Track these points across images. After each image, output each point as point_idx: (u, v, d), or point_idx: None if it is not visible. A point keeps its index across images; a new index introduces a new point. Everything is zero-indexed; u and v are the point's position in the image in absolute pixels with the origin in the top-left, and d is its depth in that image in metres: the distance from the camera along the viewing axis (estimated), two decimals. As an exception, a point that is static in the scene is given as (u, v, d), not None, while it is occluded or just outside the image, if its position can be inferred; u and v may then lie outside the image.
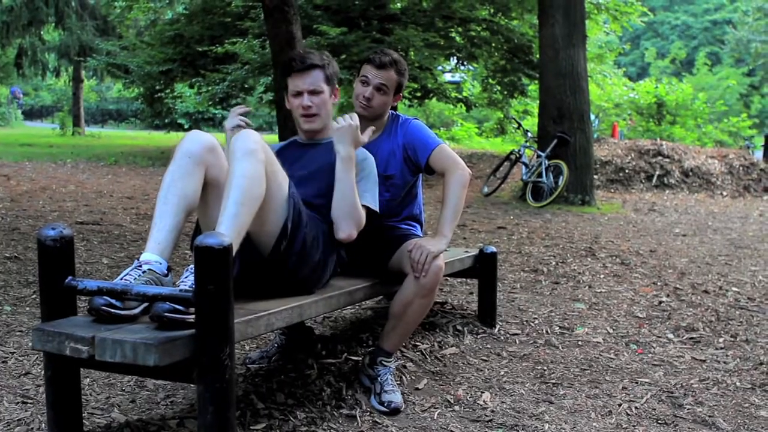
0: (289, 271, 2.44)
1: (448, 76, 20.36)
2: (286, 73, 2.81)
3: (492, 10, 15.16)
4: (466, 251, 3.83)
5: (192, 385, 2.58)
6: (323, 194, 2.67)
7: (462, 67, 18.56)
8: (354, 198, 2.62)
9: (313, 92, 2.76)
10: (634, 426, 2.61)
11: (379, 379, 2.78)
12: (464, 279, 4.46)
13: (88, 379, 2.74)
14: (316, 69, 2.75)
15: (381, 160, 3.03)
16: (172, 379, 2.22)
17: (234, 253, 2.01)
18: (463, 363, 3.24)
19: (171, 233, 2.20)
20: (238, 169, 2.22)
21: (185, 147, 2.31)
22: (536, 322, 3.91)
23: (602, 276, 5.15)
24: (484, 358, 3.33)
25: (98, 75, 26.56)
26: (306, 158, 2.79)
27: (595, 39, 19.21)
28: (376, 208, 2.78)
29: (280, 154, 2.79)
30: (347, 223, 2.62)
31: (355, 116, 2.68)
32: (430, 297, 2.77)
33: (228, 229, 2.12)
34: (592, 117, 15.21)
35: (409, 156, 3.05)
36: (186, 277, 2.10)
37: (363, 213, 2.67)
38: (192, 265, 1.99)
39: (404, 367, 3.11)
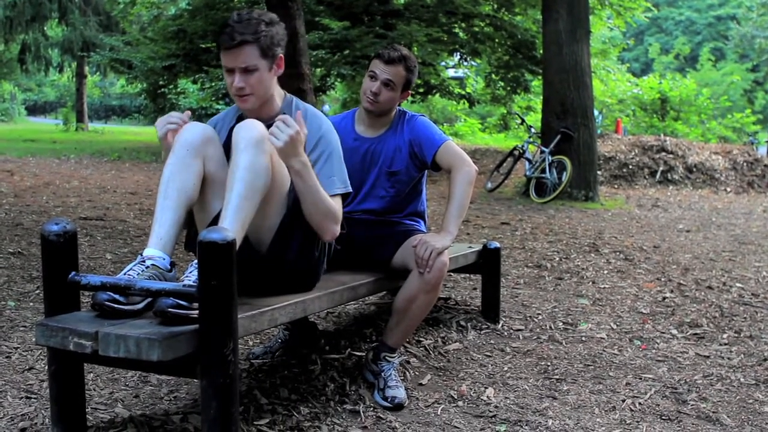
0: (287, 267, 2.40)
1: (451, 72, 20.34)
2: (218, 45, 2.42)
3: (495, 6, 15.14)
4: (470, 247, 3.82)
5: (195, 381, 2.57)
6: None
7: (465, 63, 18.55)
8: (323, 202, 2.36)
9: (245, 70, 2.38)
10: (637, 422, 2.61)
11: (382, 374, 2.78)
12: (468, 274, 4.45)
13: (91, 374, 2.74)
14: (247, 45, 2.34)
15: (386, 156, 3.02)
16: (176, 375, 2.22)
17: (237, 247, 2.00)
18: (467, 358, 3.24)
19: (173, 228, 2.19)
20: (243, 160, 2.17)
21: (183, 138, 2.27)
22: (540, 317, 3.90)
23: (606, 272, 5.14)
24: (488, 353, 3.33)
25: (101, 71, 26.62)
26: None
27: (599, 34, 19.18)
28: (349, 189, 2.53)
29: (223, 129, 2.56)
30: (327, 226, 2.41)
31: (288, 118, 2.28)
32: (434, 293, 2.77)
33: (232, 223, 2.10)
34: (596, 113, 15.18)
35: (415, 152, 3.04)
36: (190, 272, 2.09)
37: (338, 207, 2.45)
38: (196, 260, 1.98)
39: (408, 362, 3.11)
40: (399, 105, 3.10)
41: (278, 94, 2.55)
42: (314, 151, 2.47)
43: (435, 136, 3.04)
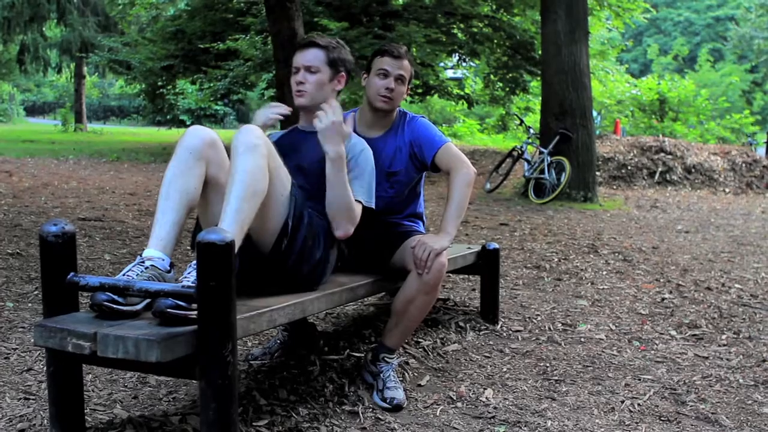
0: (290, 269, 2.43)
1: (450, 73, 20.34)
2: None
3: (494, 6, 15.14)
4: (469, 248, 3.82)
5: (194, 382, 2.57)
6: (322, 188, 2.61)
7: (464, 64, 18.54)
8: (347, 197, 2.57)
9: (309, 69, 2.70)
10: (636, 423, 2.60)
11: (381, 375, 2.78)
12: (467, 275, 4.45)
13: (90, 375, 2.74)
14: (317, 48, 2.71)
15: (387, 157, 3.02)
16: (175, 376, 2.22)
17: (236, 249, 2.00)
18: (466, 359, 3.24)
19: (173, 229, 2.20)
20: (241, 164, 2.20)
21: (186, 142, 2.30)
22: (539, 318, 3.90)
23: (605, 273, 5.14)
24: (487, 354, 3.33)
25: (100, 71, 26.64)
26: (305, 148, 2.73)
27: (598, 35, 19.18)
28: (372, 205, 2.73)
29: (280, 141, 2.77)
30: (342, 222, 2.58)
31: (337, 108, 2.57)
32: (433, 294, 2.77)
33: (230, 224, 2.11)
34: (595, 113, 15.18)
35: (415, 153, 3.04)
36: (189, 273, 2.09)
37: (358, 209, 2.63)
38: (195, 261, 1.98)
39: (407, 363, 3.10)
40: (402, 104, 3.12)
41: None
42: (352, 161, 2.69)
43: (435, 137, 3.04)
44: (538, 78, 13.51)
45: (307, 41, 2.74)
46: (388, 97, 2.94)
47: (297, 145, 2.76)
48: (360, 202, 2.65)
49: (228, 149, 2.40)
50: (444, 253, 2.75)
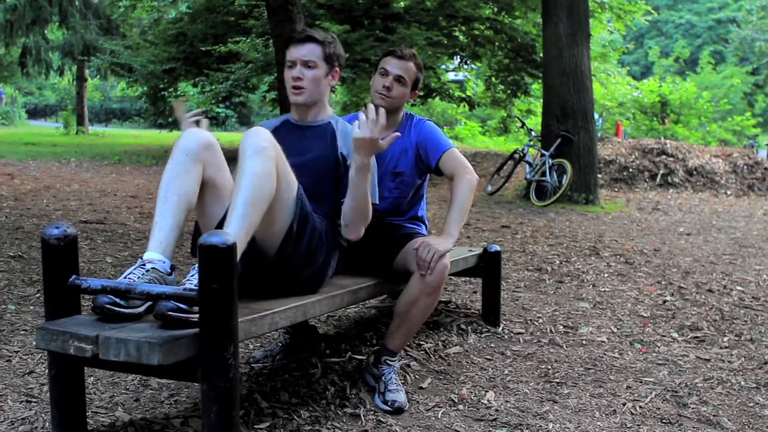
0: (293, 272, 2.43)
1: (451, 75, 20.34)
2: (286, 46, 2.74)
3: (495, 9, 15.14)
4: (470, 250, 3.82)
5: (196, 384, 2.57)
6: (320, 187, 2.60)
7: (465, 66, 18.55)
8: (366, 204, 2.57)
9: (306, 64, 2.65)
10: (638, 425, 2.60)
11: (383, 378, 2.78)
12: (468, 278, 4.45)
13: (92, 378, 2.74)
14: (313, 42, 2.66)
15: (392, 157, 3.04)
16: (176, 378, 2.22)
17: (241, 253, 2.01)
18: (467, 362, 3.24)
19: (172, 232, 2.20)
20: (248, 167, 2.19)
21: (182, 144, 2.30)
22: (540, 321, 3.90)
23: (606, 275, 5.14)
24: (488, 357, 3.32)
25: (102, 74, 26.61)
26: (302, 144, 2.69)
27: (599, 38, 19.20)
28: (376, 201, 2.74)
29: (273, 134, 2.72)
30: (358, 226, 2.60)
31: (382, 114, 2.46)
32: (435, 296, 2.77)
33: (236, 229, 2.11)
34: (596, 116, 15.18)
35: (420, 155, 3.07)
36: (191, 276, 2.10)
37: (370, 212, 2.63)
38: (197, 265, 1.98)
39: (408, 366, 3.10)
40: (405, 106, 3.12)
41: (329, 108, 2.76)
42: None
43: (441, 142, 3.07)
44: (540, 80, 13.52)
45: (304, 36, 2.68)
46: (384, 95, 2.97)
47: (294, 141, 2.69)
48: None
49: (225, 151, 2.41)
50: (447, 255, 2.75)
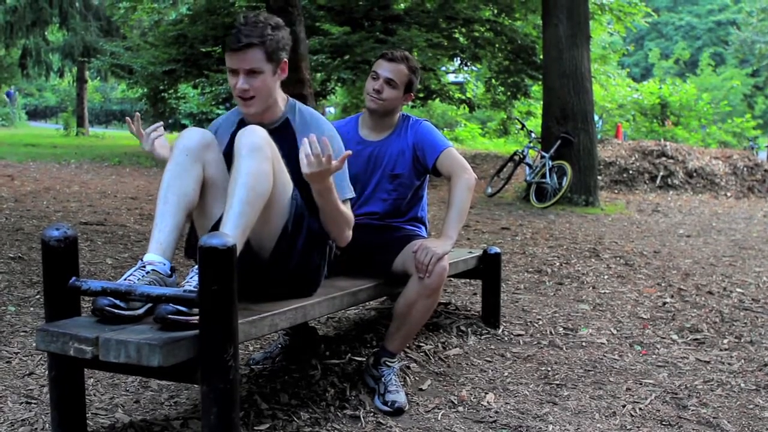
0: (289, 273, 2.41)
1: (451, 77, 20.36)
2: (225, 46, 2.42)
3: (495, 11, 15.15)
4: (470, 252, 3.82)
5: (196, 386, 2.57)
6: (297, 186, 2.44)
7: (465, 68, 18.55)
8: (339, 214, 2.45)
9: (251, 72, 2.39)
10: (638, 427, 2.60)
11: (383, 379, 2.78)
12: (468, 280, 4.45)
13: (92, 380, 2.74)
14: (254, 48, 2.36)
15: (390, 159, 3.04)
16: (176, 380, 2.22)
17: (238, 253, 2.00)
18: (467, 364, 3.24)
19: (172, 233, 2.19)
20: (244, 166, 2.18)
21: (182, 144, 2.29)
22: (540, 323, 3.90)
23: (606, 277, 5.14)
24: (488, 359, 3.32)
25: (102, 75, 26.62)
26: None
27: (599, 40, 19.20)
28: (353, 194, 2.61)
29: (224, 134, 2.55)
30: (343, 233, 2.52)
31: (326, 145, 2.25)
32: (434, 297, 2.77)
33: (233, 228, 2.10)
34: (596, 118, 15.19)
35: (417, 156, 3.06)
36: (191, 278, 2.09)
37: (349, 212, 2.54)
38: (197, 266, 1.98)
39: (408, 367, 3.10)
40: (401, 108, 3.12)
41: (281, 99, 2.57)
42: None
43: (437, 142, 3.05)
44: (540, 82, 13.53)
45: (243, 43, 2.36)
46: (375, 98, 2.96)
47: None
48: (347, 199, 2.55)
49: None
50: (446, 257, 2.75)
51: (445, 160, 3.01)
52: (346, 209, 2.51)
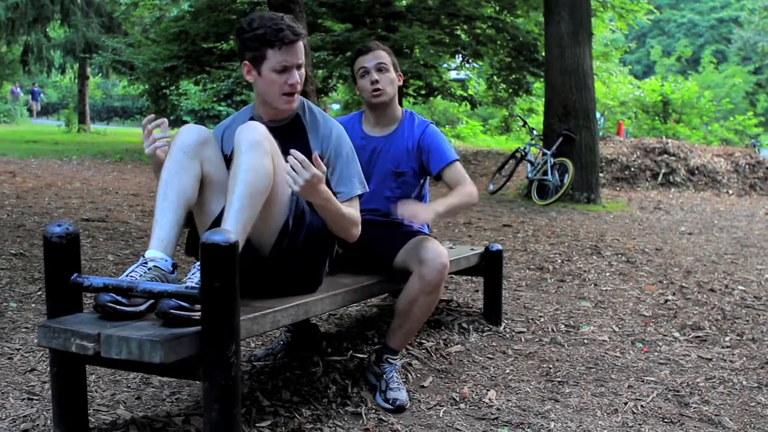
0: (289, 269, 2.41)
1: (453, 74, 20.33)
2: (266, 43, 2.35)
3: (497, 8, 15.13)
4: (472, 249, 3.82)
5: (197, 383, 2.57)
6: None
7: (467, 65, 18.52)
8: (343, 219, 2.44)
9: (300, 67, 2.41)
10: (640, 424, 2.60)
11: (384, 376, 2.78)
12: (470, 277, 4.45)
13: (93, 376, 2.74)
14: (301, 41, 2.40)
15: (395, 156, 3.05)
16: (178, 376, 2.22)
17: (239, 249, 2.00)
18: (469, 361, 3.24)
19: (173, 229, 2.19)
20: (244, 162, 2.17)
21: (179, 141, 2.28)
22: (542, 320, 3.90)
23: (608, 274, 5.13)
24: (490, 356, 3.32)
25: (104, 72, 26.58)
26: (282, 147, 2.42)
27: (601, 37, 19.16)
28: (366, 188, 2.63)
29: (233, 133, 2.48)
30: (349, 232, 2.52)
31: (305, 160, 2.21)
32: (435, 294, 2.77)
33: (234, 224, 2.10)
34: (598, 115, 15.16)
35: (422, 159, 3.08)
36: (193, 274, 2.09)
37: (357, 209, 2.55)
38: (199, 262, 1.98)
39: (410, 364, 3.10)
40: (405, 104, 3.12)
41: None
42: (332, 155, 2.54)
43: (446, 152, 3.08)
44: (542, 79, 13.50)
45: (298, 32, 2.37)
46: (377, 89, 2.97)
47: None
48: (356, 196, 2.56)
49: None
50: (446, 253, 2.75)
51: (452, 173, 3.06)
52: (351, 210, 2.49)
